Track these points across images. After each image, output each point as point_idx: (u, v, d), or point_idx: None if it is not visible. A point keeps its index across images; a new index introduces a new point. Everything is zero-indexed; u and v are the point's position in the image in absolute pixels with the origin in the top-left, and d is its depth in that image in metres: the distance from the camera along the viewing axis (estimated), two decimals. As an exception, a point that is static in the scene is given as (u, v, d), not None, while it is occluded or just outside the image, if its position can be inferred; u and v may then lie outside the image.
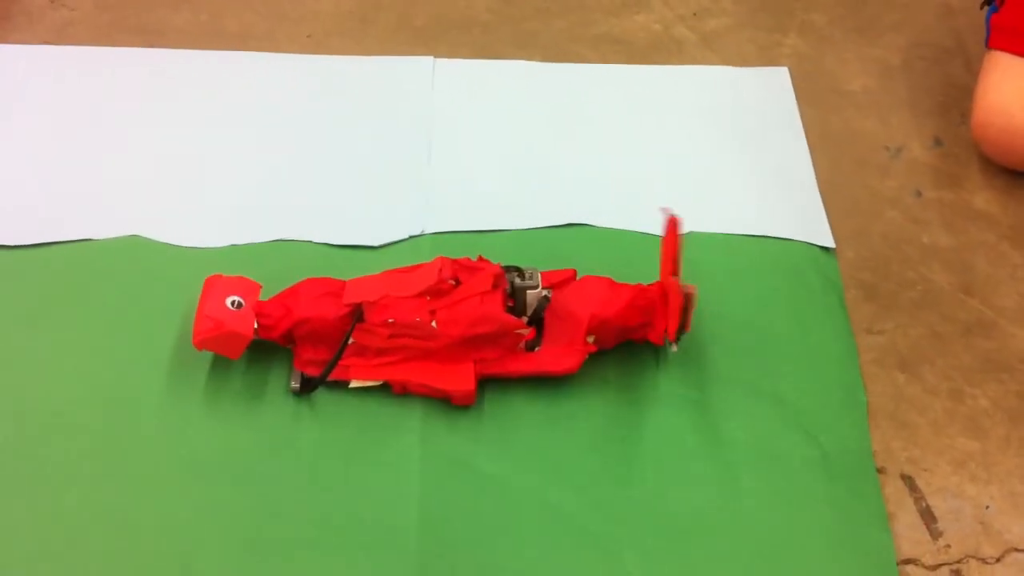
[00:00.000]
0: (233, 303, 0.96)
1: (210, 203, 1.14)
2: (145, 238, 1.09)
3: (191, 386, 0.98)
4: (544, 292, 0.98)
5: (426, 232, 1.12)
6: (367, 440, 0.95)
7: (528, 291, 0.97)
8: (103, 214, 1.11)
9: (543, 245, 1.11)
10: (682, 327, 0.95)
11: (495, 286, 0.96)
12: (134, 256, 1.08)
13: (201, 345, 0.95)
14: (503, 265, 0.99)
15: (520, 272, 0.98)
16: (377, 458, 0.94)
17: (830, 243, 1.13)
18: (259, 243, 1.10)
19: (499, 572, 0.88)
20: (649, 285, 0.99)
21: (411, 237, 1.11)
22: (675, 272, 0.95)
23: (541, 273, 0.98)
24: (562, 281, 0.99)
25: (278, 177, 1.17)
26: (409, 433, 0.95)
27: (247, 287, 0.98)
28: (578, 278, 1.00)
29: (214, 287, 0.97)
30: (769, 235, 1.13)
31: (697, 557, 0.89)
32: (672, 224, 0.95)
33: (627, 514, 0.91)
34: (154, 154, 1.18)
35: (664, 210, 0.96)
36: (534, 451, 0.95)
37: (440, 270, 0.96)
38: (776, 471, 0.94)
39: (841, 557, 0.89)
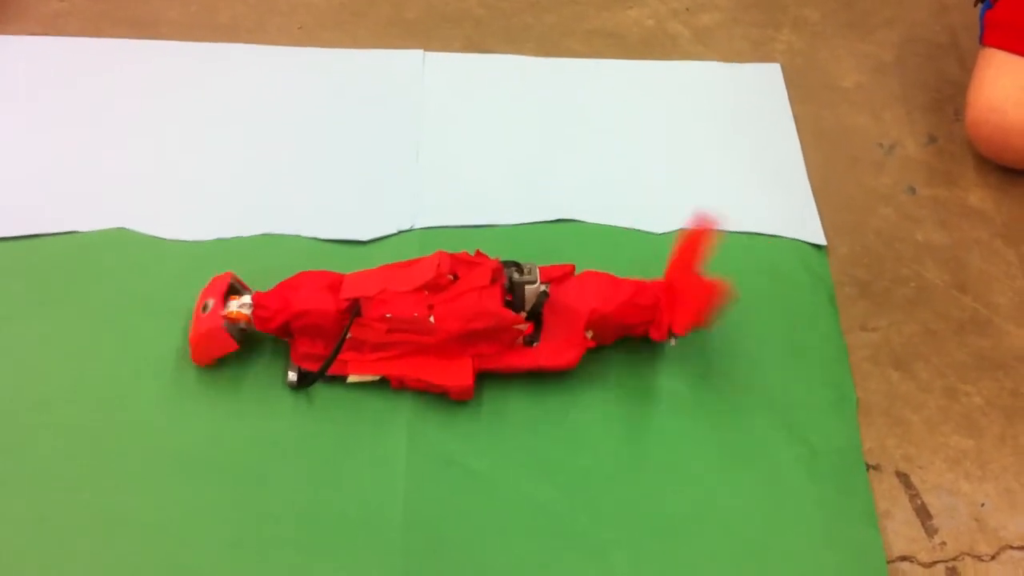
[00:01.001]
0: (204, 308, 0.95)
1: (197, 196, 1.13)
2: (131, 231, 1.08)
3: (178, 380, 0.97)
4: (543, 287, 0.97)
5: (415, 227, 1.11)
6: (354, 436, 0.94)
7: (527, 286, 0.96)
8: (89, 206, 1.10)
9: (533, 241, 1.10)
10: (699, 324, 0.95)
11: (493, 281, 0.95)
12: (120, 249, 1.07)
13: (197, 361, 0.96)
14: (501, 260, 0.98)
15: (519, 267, 0.97)
16: (364, 454, 0.93)
17: (821, 240, 1.12)
18: (246, 236, 1.09)
19: (485, 570, 0.87)
20: (651, 281, 0.98)
21: (400, 232, 1.11)
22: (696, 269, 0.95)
23: (539, 268, 0.98)
24: (560, 276, 0.98)
25: (266, 170, 1.16)
26: (397, 429, 0.95)
27: (215, 285, 0.98)
28: (576, 273, 1.00)
29: (197, 303, 0.97)
30: (760, 232, 1.12)
31: (686, 556, 0.89)
32: (706, 224, 0.95)
33: (615, 513, 0.91)
34: (141, 146, 1.17)
35: (699, 214, 0.96)
36: (523, 448, 0.94)
37: (439, 265, 0.95)
38: (765, 469, 0.94)
39: (830, 555, 0.89)
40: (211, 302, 0.95)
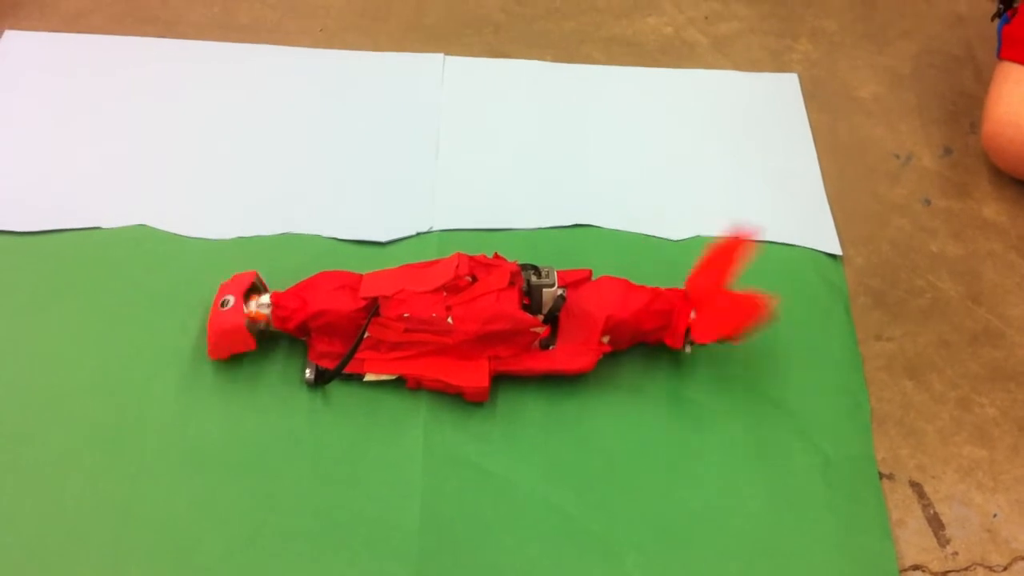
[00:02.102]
0: (224, 304, 0.96)
1: (218, 195, 1.13)
2: (153, 228, 1.09)
3: (197, 376, 0.97)
4: (560, 291, 0.97)
5: (434, 229, 1.12)
6: (372, 436, 0.95)
7: (544, 289, 0.97)
8: (111, 203, 1.11)
9: (550, 245, 1.11)
10: (729, 338, 0.95)
11: (511, 283, 0.96)
12: (141, 245, 1.07)
13: (214, 355, 0.96)
14: (519, 263, 0.99)
15: (536, 270, 0.98)
16: (381, 454, 0.94)
17: (837, 250, 1.13)
18: (267, 236, 1.10)
19: (499, 571, 0.88)
20: (667, 289, 0.99)
21: (419, 234, 1.11)
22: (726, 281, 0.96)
23: (557, 272, 0.98)
24: (577, 281, 0.99)
25: (287, 170, 1.17)
26: (413, 429, 0.95)
27: (237, 282, 0.98)
28: (593, 279, 1.00)
29: (216, 297, 0.97)
30: (775, 241, 1.13)
31: (698, 560, 0.89)
32: (741, 235, 0.96)
33: (629, 516, 0.91)
34: (163, 144, 1.18)
35: (735, 226, 0.98)
36: (537, 450, 0.95)
37: (457, 266, 0.96)
38: (778, 476, 0.94)
39: (843, 563, 0.89)
40: (231, 299, 0.96)
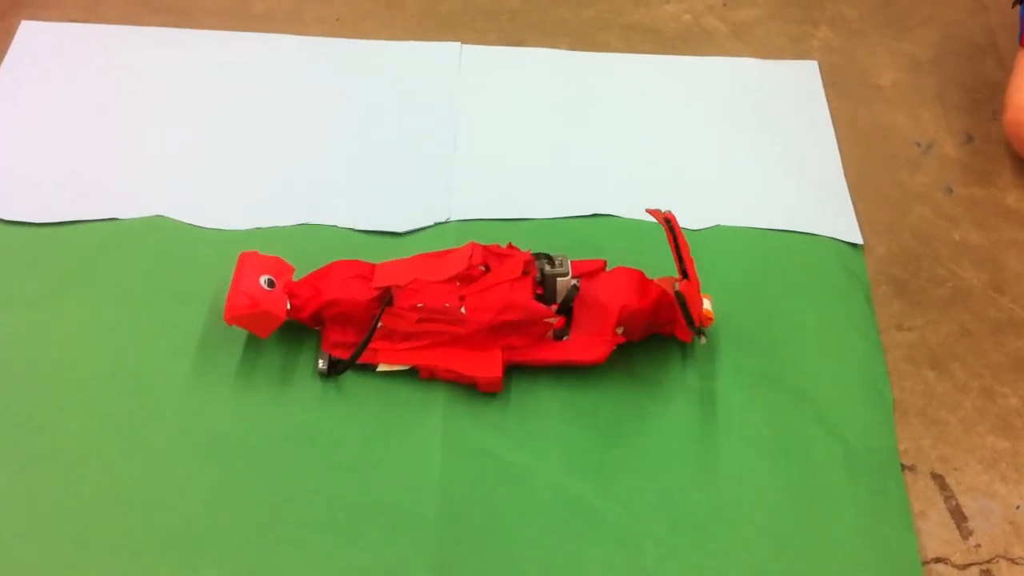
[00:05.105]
0: (266, 282, 0.95)
1: (235, 185, 1.13)
2: (170, 218, 1.09)
3: (214, 366, 0.98)
4: (574, 281, 0.97)
5: (451, 219, 1.11)
6: (390, 425, 0.95)
7: (558, 279, 0.96)
8: (129, 194, 1.11)
9: (568, 235, 1.10)
10: (690, 322, 0.94)
11: (525, 273, 0.95)
12: (159, 236, 1.07)
13: (232, 321, 0.94)
14: (533, 252, 0.98)
15: (550, 259, 0.97)
16: (399, 443, 0.94)
17: (857, 239, 1.12)
18: (283, 226, 1.09)
19: (517, 561, 0.88)
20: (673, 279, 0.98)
21: (436, 224, 1.11)
22: (684, 271, 0.95)
23: (571, 262, 0.97)
24: (592, 271, 0.98)
25: (303, 161, 1.16)
26: (432, 419, 0.95)
27: (281, 267, 0.98)
28: (607, 269, 0.99)
29: (248, 264, 0.97)
30: (796, 230, 1.12)
31: (718, 552, 0.89)
32: (670, 221, 0.96)
33: (648, 507, 0.91)
34: (180, 135, 1.18)
35: (655, 211, 0.97)
36: (556, 441, 0.95)
37: (470, 256, 0.95)
38: (799, 467, 0.94)
39: (864, 554, 0.89)
40: (274, 281, 0.96)
